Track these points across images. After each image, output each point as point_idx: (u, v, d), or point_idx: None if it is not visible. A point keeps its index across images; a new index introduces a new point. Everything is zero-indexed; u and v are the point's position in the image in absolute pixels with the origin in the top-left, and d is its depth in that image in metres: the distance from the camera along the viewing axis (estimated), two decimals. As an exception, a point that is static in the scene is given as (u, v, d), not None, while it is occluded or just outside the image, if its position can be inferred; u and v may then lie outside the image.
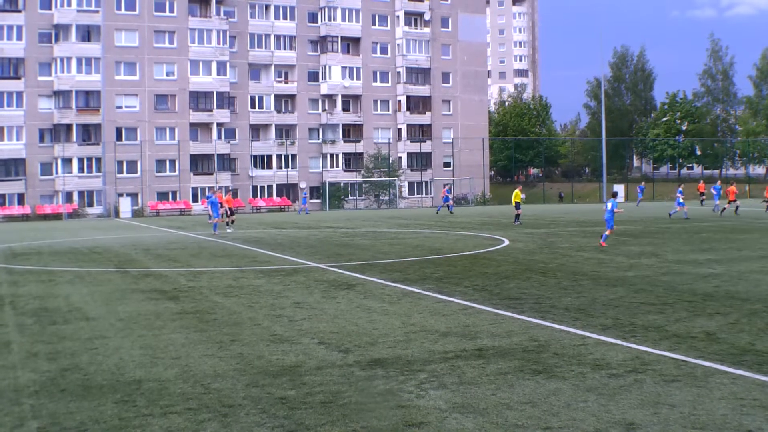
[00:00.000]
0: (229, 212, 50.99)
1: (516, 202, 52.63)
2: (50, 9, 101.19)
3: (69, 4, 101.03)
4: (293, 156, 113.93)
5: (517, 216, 52.48)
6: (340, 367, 13.28)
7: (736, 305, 18.67)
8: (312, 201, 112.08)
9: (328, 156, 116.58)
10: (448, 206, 73.52)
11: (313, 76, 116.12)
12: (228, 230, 49.56)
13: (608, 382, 11.92)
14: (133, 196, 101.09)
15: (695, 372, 12.51)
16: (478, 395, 11.34)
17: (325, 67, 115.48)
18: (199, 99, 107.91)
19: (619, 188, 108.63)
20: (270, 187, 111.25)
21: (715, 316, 17.25)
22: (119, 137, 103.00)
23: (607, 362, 13.23)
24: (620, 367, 12.84)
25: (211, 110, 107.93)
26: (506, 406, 10.79)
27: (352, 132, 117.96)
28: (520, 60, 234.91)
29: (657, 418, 10.14)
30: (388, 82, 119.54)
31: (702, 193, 72.20)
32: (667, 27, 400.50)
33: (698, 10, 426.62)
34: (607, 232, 34.78)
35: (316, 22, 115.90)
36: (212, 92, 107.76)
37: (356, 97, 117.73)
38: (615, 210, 34.77)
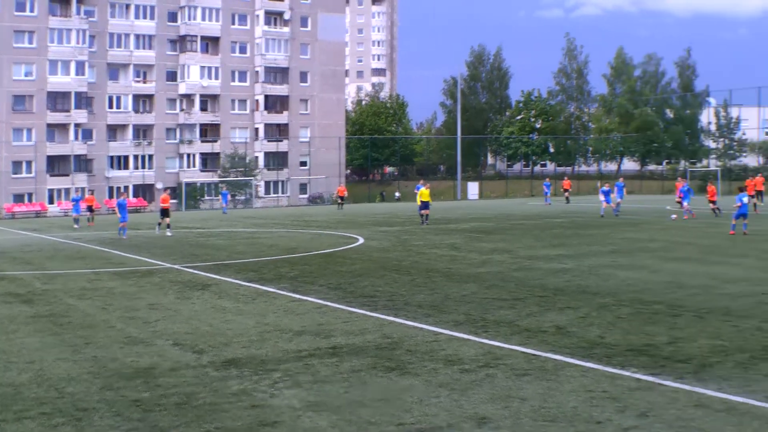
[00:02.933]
0: (162, 214, 48.09)
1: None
2: None
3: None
4: (150, 156, 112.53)
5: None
6: (194, 368, 13.20)
7: (587, 299, 19.06)
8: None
9: (186, 156, 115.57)
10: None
11: (172, 76, 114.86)
12: (168, 233, 45.89)
13: (460, 378, 12.04)
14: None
15: (546, 365, 12.72)
16: (332, 393, 11.35)
17: (183, 66, 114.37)
18: (57, 99, 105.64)
19: (473, 186, 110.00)
20: (126, 187, 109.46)
21: (565, 310, 17.58)
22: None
23: (459, 358, 13.36)
24: (472, 363, 12.98)
25: (68, 111, 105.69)
26: (360, 403, 10.81)
27: (209, 132, 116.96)
28: (378, 59, 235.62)
29: (508, 411, 10.27)
30: (246, 82, 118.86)
31: (759, 192, 70.59)
32: (516, 27, 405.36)
33: (545, 10, 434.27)
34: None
35: (176, 22, 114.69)
36: (70, 92, 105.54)
37: (214, 97, 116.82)
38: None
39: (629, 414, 10.11)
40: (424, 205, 49.58)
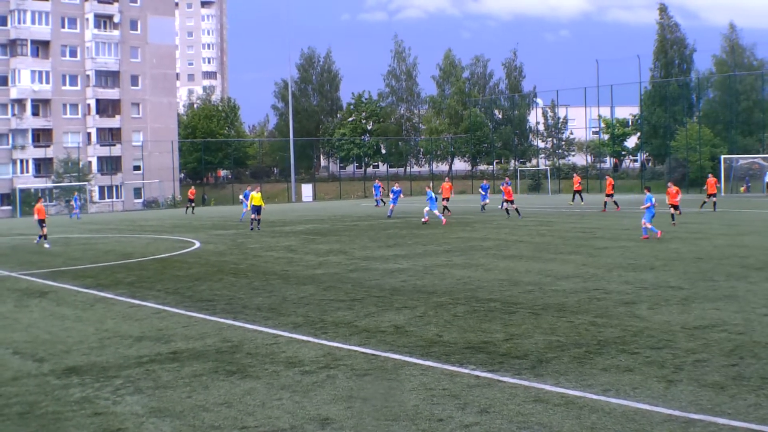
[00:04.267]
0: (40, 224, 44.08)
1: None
2: None
3: None
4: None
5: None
6: (35, 376, 12.96)
7: (423, 299, 19.24)
8: (1, 209, 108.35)
9: (18, 162, 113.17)
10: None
11: (3, 81, 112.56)
12: (46, 245, 41.59)
13: (302, 379, 12.04)
14: None
15: (386, 365, 12.80)
16: (174, 399, 11.26)
17: (14, 70, 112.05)
18: None
19: (307, 188, 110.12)
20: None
21: (402, 310, 17.71)
22: None
23: (299, 359, 13.36)
24: (313, 364, 12.99)
25: None
26: (202, 407, 10.74)
27: (42, 137, 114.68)
28: (209, 62, 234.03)
29: (351, 412, 10.30)
30: (77, 86, 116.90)
31: (577, 191, 69.23)
32: (341, 30, 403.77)
33: (368, 13, 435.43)
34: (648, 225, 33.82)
35: (6, 25, 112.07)
36: None
37: (46, 101, 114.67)
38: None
39: (470, 411, 10.25)
40: (256, 210, 48.99)
